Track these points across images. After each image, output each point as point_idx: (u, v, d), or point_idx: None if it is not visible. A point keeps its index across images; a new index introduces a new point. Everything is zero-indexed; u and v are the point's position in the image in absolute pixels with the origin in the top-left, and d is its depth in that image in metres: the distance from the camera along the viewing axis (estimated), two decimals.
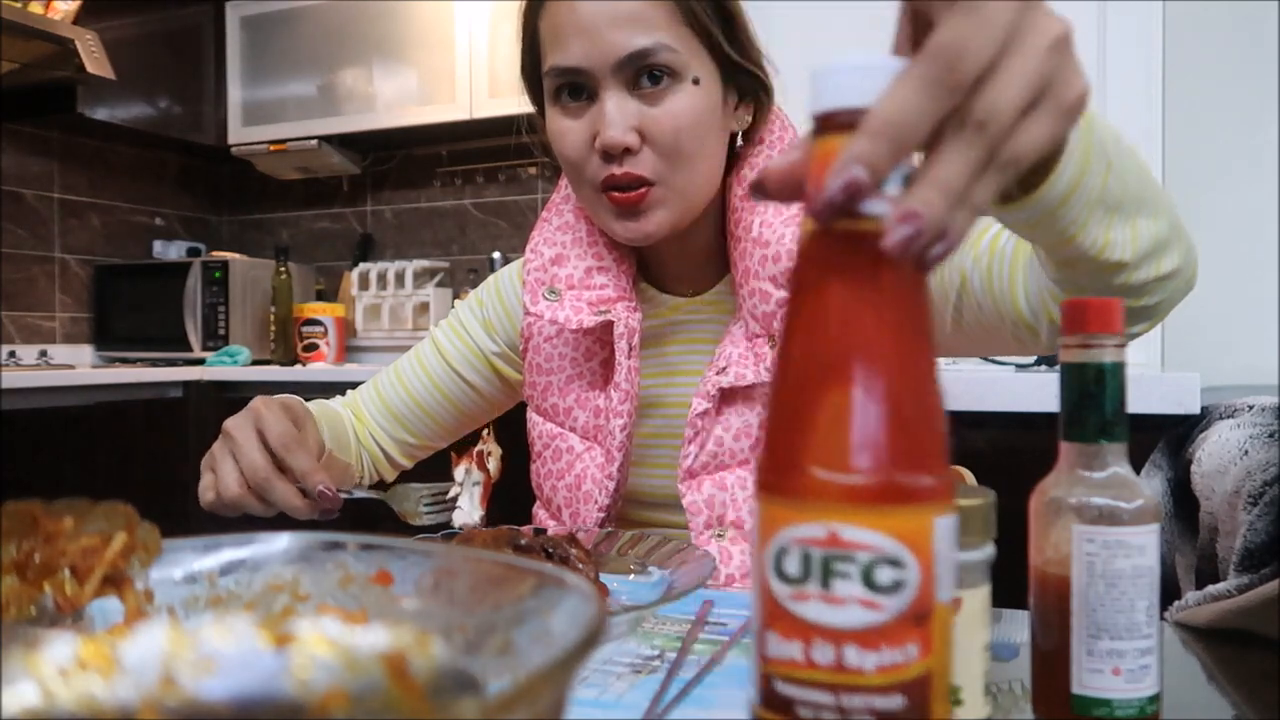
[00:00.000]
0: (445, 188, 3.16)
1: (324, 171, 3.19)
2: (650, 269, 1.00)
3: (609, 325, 0.92)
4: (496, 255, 2.92)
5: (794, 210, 0.87)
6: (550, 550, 0.69)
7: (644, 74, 0.83)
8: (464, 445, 0.88)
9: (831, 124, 0.34)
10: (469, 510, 0.84)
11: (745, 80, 0.90)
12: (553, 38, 0.85)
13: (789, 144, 0.93)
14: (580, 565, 0.68)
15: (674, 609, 0.68)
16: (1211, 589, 0.71)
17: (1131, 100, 1.88)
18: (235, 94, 3.10)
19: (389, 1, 2.85)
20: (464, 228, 3.14)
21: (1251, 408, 1.21)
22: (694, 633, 0.64)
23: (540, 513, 1.00)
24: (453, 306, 3.06)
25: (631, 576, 0.74)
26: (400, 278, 3.02)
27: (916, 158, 0.34)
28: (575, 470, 0.95)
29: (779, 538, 0.33)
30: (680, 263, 0.97)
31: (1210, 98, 1.96)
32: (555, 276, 0.95)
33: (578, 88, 0.85)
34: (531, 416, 0.99)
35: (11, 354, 2.81)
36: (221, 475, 0.79)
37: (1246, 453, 1.03)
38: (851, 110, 0.33)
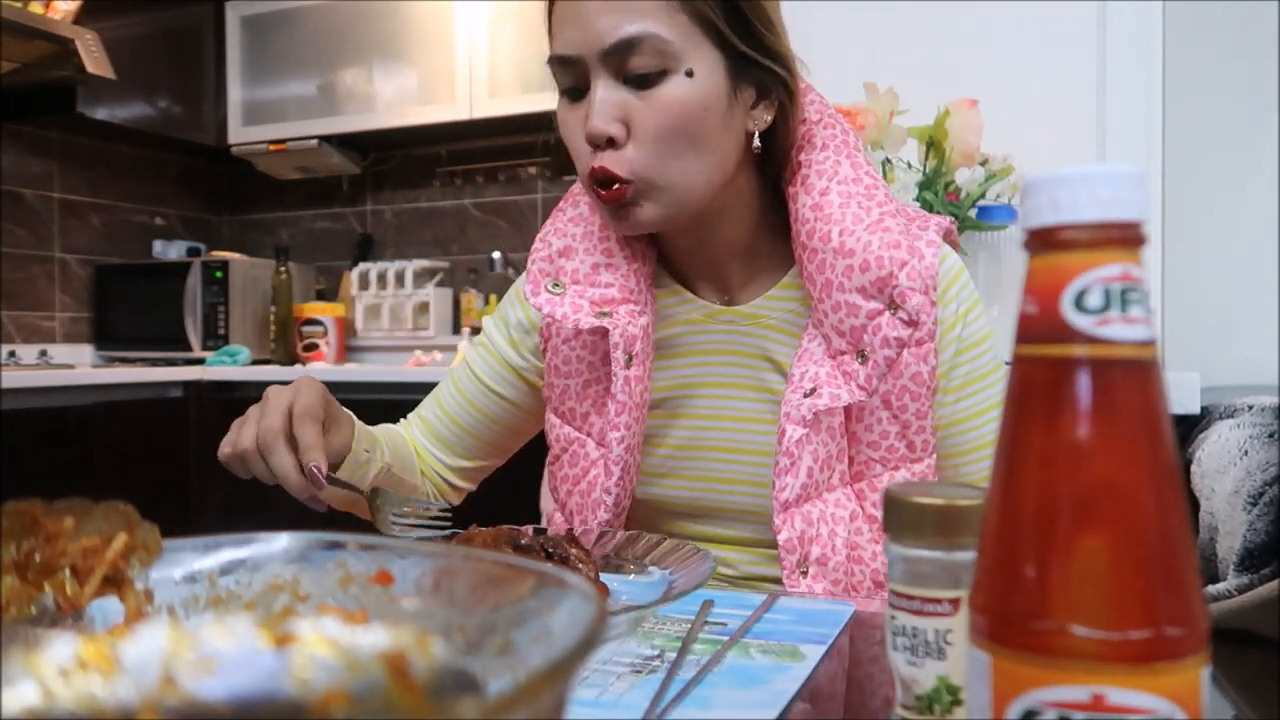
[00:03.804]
0: (445, 187, 3.16)
1: (324, 171, 3.19)
2: (674, 268, 0.96)
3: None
4: (496, 255, 2.92)
5: (875, 216, 0.85)
6: (550, 550, 0.69)
7: (632, 64, 0.81)
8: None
9: (1051, 240, 0.32)
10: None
11: (760, 76, 0.85)
12: (555, 29, 0.85)
13: (854, 147, 0.90)
14: (580, 565, 0.68)
15: (674, 609, 0.68)
16: (1211, 589, 0.71)
17: (1131, 100, 1.88)
18: (235, 94, 3.10)
19: (389, 1, 2.85)
20: (464, 227, 3.14)
21: (1251, 408, 1.21)
22: (694, 633, 0.64)
23: (557, 515, 0.98)
24: (455, 305, 3.07)
25: (631, 576, 0.74)
26: (400, 277, 3.02)
27: (1153, 279, 0.33)
28: (589, 477, 0.93)
29: (1026, 700, 0.30)
30: (703, 264, 0.93)
31: (1210, 98, 1.95)
32: (561, 269, 0.92)
33: (574, 78, 0.84)
34: (550, 418, 0.97)
35: (11, 354, 2.81)
36: (242, 430, 0.81)
37: (1246, 453, 1.03)
38: (1072, 226, 0.31)
